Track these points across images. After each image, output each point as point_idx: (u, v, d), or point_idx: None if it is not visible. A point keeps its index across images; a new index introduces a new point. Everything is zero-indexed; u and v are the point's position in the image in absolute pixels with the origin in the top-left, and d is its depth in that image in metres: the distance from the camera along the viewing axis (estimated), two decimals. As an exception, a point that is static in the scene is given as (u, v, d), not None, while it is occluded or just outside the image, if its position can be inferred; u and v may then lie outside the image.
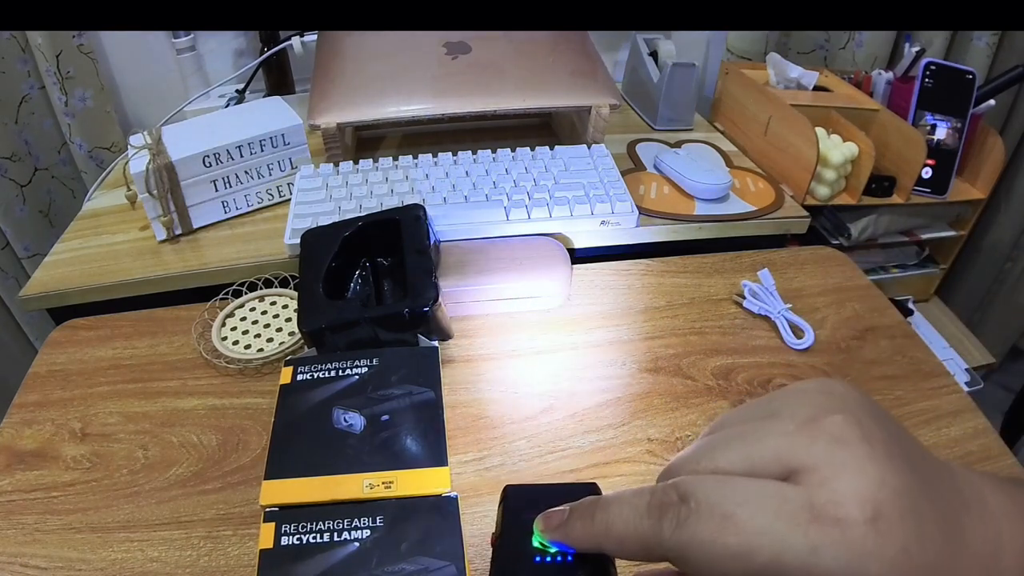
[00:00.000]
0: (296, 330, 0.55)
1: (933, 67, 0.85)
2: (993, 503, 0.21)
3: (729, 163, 0.81)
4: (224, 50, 0.97)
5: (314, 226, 0.57)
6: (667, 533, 0.20)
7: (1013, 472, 0.47)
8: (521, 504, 0.26)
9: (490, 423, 0.49)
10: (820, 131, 0.79)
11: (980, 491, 0.21)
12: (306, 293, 0.50)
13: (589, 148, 0.72)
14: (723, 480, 0.21)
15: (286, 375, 0.44)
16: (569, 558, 0.24)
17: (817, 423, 0.21)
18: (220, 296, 0.60)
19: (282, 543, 0.35)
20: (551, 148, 0.72)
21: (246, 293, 0.60)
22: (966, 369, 0.92)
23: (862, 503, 0.19)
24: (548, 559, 0.24)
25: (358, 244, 0.55)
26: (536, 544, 0.24)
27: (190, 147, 0.65)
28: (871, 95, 0.90)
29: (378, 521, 0.36)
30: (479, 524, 0.42)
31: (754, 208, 0.72)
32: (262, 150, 0.68)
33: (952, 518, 0.20)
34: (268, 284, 0.61)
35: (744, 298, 0.60)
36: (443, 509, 0.37)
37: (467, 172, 0.69)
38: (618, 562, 0.26)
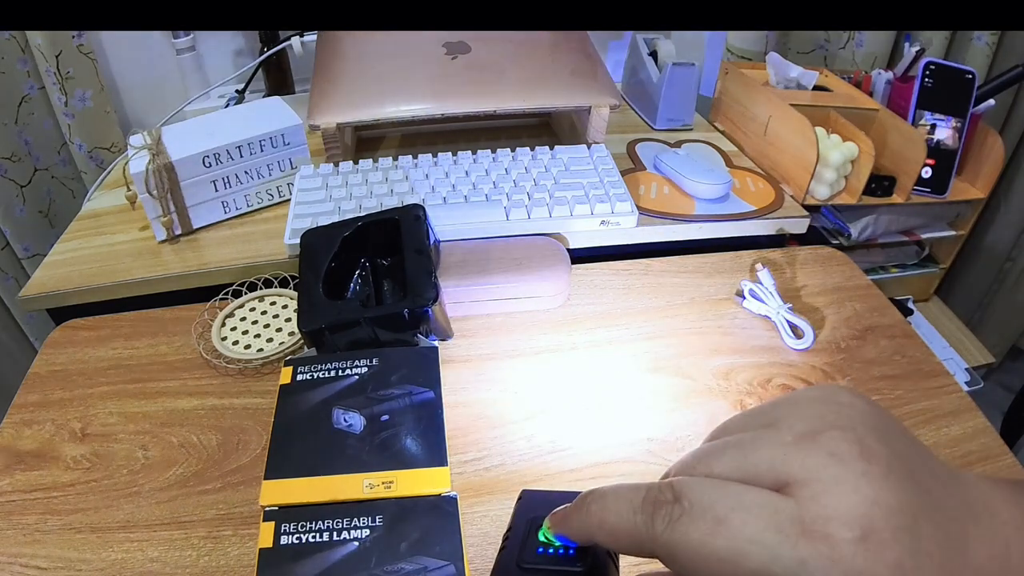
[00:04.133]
0: (296, 330, 0.55)
1: (933, 67, 0.84)
2: (1004, 513, 0.21)
3: (729, 163, 0.81)
4: (224, 50, 0.97)
5: (314, 226, 0.57)
6: (659, 530, 0.20)
7: (1013, 472, 0.47)
8: (533, 504, 0.27)
9: (490, 423, 0.49)
10: (820, 131, 0.79)
11: (991, 502, 0.21)
12: (306, 293, 0.50)
13: (589, 148, 0.72)
14: (718, 484, 0.21)
15: (286, 375, 0.44)
16: (571, 551, 0.24)
17: (815, 437, 0.20)
18: (220, 296, 0.60)
19: (282, 543, 0.35)
20: (551, 148, 0.72)
21: (246, 293, 0.60)
22: (966, 369, 0.92)
23: (851, 521, 0.18)
24: (551, 551, 0.25)
25: (358, 244, 0.55)
26: (542, 538, 0.25)
27: (190, 147, 0.65)
28: (871, 95, 0.90)
29: (378, 521, 0.36)
30: (479, 524, 0.42)
31: (754, 208, 0.72)
32: (262, 150, 0.68)
33: (956, 533, 0.20)
34: (268, 284, 0.61)
35: (744, 298, 0.60)
36: (443, 509, 0.37)
37: (467, 172, 0.69)
38: (620, 561, 0.26)
